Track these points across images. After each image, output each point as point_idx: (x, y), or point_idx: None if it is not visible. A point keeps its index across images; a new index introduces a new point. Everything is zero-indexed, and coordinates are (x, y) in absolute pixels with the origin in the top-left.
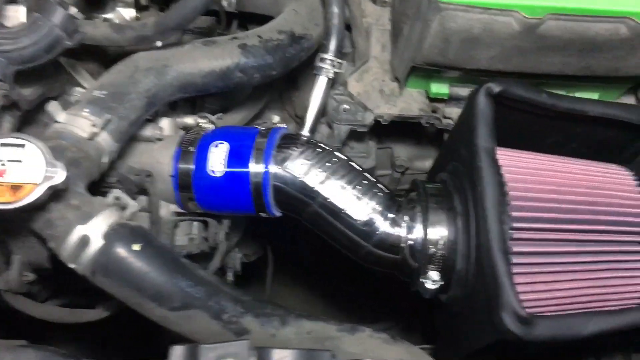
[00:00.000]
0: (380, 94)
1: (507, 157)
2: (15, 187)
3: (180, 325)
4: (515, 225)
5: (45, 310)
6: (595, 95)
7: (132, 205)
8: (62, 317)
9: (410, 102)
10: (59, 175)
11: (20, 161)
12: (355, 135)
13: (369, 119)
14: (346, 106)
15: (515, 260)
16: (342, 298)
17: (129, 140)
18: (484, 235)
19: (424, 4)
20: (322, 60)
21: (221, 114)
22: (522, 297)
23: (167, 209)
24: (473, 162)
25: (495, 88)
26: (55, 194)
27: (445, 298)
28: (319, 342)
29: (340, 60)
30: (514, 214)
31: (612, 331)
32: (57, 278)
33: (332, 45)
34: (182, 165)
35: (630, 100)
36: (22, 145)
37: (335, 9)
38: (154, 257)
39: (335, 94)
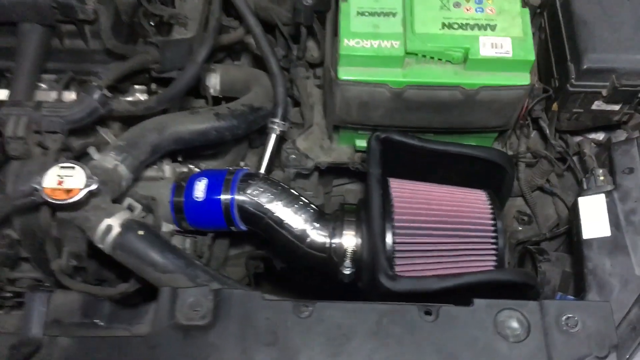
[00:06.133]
0: (321, 148)
1: (397, 185)
2: (68, 191)
3: (168, 285)
4: (397, 225)
5: (82, 286)
6: (474, 142)
7: (138, 208)
8: (95, 292)
9: (341, 154)
10: (93, 185)
11: (71, 176)
12: (305, 179)
13: (309, 164)
14: (293, 156)
15: (397, 247)
16: None
17: (139, 173)
18: (371, 230)
19: (333, 82)
20: (272, 122)
21: (207, 162)
22: (399, 268)
23: (168, 227)
24: (367, 183)
25: (381, 135)
26: (91, 197)
27: (360, 283)
28: None
29: (284, 122)
30: (396, 218)
31: (452, 288)
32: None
33: (279, 112)
34: (176, 194)
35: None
36: (73, 167)
37: (281, 89)
38: (151, 239)
39: (286, 147)
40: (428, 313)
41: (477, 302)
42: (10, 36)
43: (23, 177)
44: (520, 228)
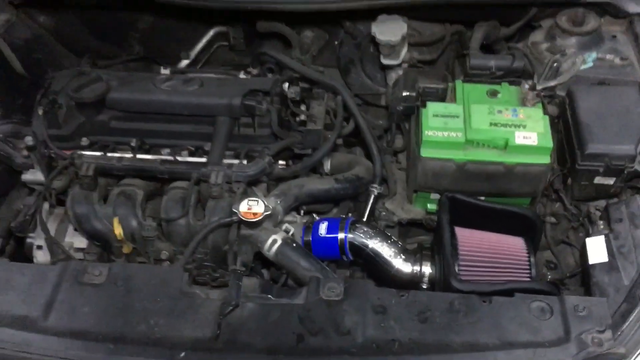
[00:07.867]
0: (402, 209)
1: (461, 231)
2: (255, 213)
3: None
4: (461, 255)
5: None
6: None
7: (292, 230)
8: None
9: (417, 214)
10: (268, 211)
11: (256, 205)
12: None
13: (394, 219)
14: (384, 213)
15: (461, 269)
16: None
17: (286, 214)
18: (444, 257)
19: (417, 158)
20: (372, 187)
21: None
22: (463, 277)
23: None
24: (439, 225)
25: (449, 195)
26: (265, 219)
27: None
28: None
29: (380, 187)
30: (460, 249)
31: (500, 292)
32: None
33: (377, 180)
34: (305, 234)
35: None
36: (257, 200)
37: (379, 165)
38: (300, 251)
39: (379, 207)
40: (484, 300)
41: (517, 295)
42: (207, 125)
43: (216, 211)
44: (548, 273)
